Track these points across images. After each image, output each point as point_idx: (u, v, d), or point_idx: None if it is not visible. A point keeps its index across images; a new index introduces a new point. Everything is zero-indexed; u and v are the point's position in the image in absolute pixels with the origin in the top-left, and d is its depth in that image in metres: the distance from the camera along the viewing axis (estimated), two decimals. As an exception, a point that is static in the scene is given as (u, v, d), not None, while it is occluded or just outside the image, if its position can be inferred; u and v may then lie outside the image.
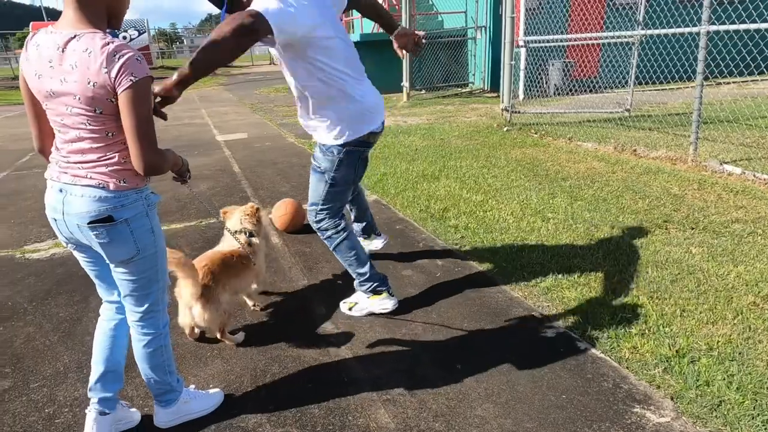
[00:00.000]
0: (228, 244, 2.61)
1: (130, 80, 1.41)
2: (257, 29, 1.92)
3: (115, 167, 1.54)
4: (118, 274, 1.67)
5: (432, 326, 2.56)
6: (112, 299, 1.83)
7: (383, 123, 2.56)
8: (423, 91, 11.68)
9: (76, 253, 1.73)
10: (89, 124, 1.48)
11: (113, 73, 1.39)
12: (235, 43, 1.92)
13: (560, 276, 2.96)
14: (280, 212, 3.86)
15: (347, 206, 2.89)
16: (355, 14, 12.65)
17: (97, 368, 1.80)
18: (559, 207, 4.08)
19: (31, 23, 26.94)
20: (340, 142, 2.39)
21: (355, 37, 11.69)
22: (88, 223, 1.54)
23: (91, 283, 1.88)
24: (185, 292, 2.23)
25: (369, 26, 13.67)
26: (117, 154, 1.54)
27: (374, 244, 3.27)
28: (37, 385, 2.21)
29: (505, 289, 2.89)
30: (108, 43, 1.39)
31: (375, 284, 2.63)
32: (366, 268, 2.63)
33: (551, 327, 2.50)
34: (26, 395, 2.15)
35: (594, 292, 2.78)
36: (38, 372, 2.30)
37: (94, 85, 1.41)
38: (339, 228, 2.60)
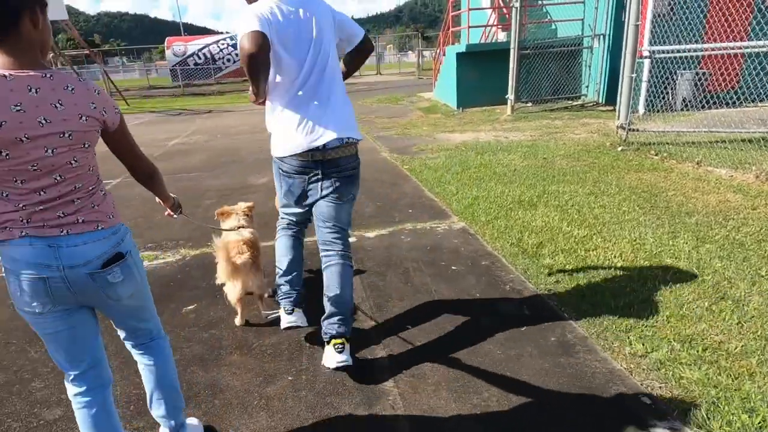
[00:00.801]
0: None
1: (116, 111, 1.52)
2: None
3: (101, 204, 1.50)
4: (125, 307, 1.63)
5: (509, 398, 2.14)
6: (79, 370, 1.62)
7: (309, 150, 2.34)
8: (529, 104, 10.99)
9: (50, 322, 1.49)
10: (74, 161, 1.41)
11: (105, 105, 1.46)
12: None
13: (678, 347, 2.38)
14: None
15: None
16: (463, 23, 12.30)
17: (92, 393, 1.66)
18: (682, 251, 3.41)
19: (167, 38, 29.83)
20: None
21: (460, 47, 11.33)
22: (102, 267, 1.46)
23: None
24: (247, 256, 2.62)
25: (476, 36, 13.24)
26: (100, 191, 1.52)
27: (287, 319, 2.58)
28: (83, 417, 2.14)
29: (604, 356, 2.38)
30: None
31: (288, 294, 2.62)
32: (283, 276, 2.64)
33: (662, 418, 1.97)
34: (71, 430, 2.08)
35: (725, 375, 2.18)
36: (88, 402, 2.23)
37: (85, 120, 1.39)
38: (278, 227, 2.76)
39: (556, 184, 5.15)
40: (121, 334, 1.78)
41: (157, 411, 1.86)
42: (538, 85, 10.89)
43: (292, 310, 2.59)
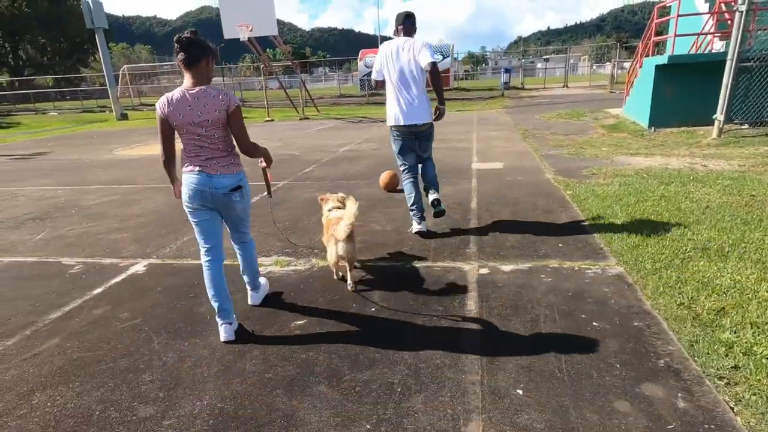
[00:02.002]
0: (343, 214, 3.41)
1: (237, 105, 2.66)
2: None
3: (233, 160, 2.76)
4: (236, 217, 2.91)
5: None
6: (209, 246, 2.85)
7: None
8: (745, 126, 9.08)
9: (200, 214, 2.77)
10: (223, 135, 2.70)
11: (229, 103, 2.63)
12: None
13: None
14: (384, 177, 6.26)
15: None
16: (669, 32, 10.71)
17: (217, 300, 2.85)
18: None
19: (361, 51, 32.06)
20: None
21: (661, 59, 9.89)
22: (231, 191, 2.74)
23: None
24: (344, 229, 3.23)
25: (683, 47, 11.45)
26: (233, 154, 2.79)
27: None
28: (170, 422, 2.18)
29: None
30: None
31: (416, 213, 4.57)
32: (411, 204, 4.57)
33: None
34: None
35: None
36: (180, 406, 2.28)
37: (223, 110, 2.60)
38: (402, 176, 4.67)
39: (761, 231, 4.04)
40: (232, 235, 3.07)
41: (245, 277, 3.23)
42: (759, 105, 8.94)
43: (420, 221, 4.55)
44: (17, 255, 4.54)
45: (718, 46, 10.88)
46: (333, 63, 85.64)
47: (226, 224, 2.96)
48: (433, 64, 4.15)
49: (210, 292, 2.84)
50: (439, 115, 4.38)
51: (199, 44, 2.57)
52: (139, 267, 4.08)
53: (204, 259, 2.85)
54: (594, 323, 2.82)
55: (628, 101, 12.34)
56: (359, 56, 32.40)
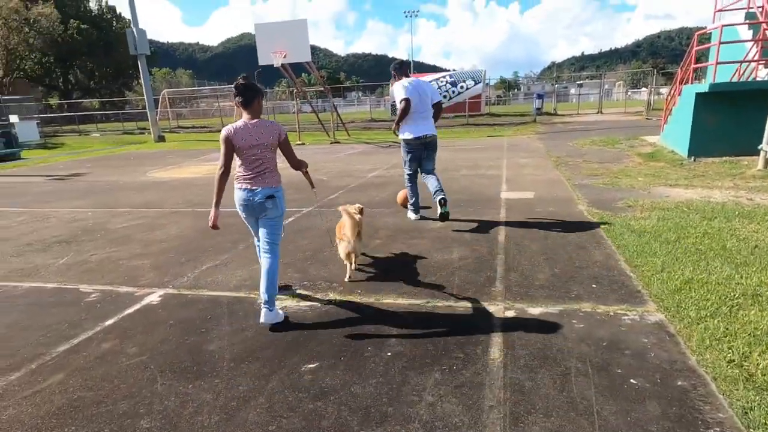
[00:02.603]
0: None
1: (286, 134, 3.49)
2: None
3: (275, 177, 3.46)
4: (269, 224, 3.49)
5: None
6: (257, 237, 3.66)
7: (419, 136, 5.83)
8: (794, 157, 8.58)
9: (248, 218, 3.57)
10: (272, 156, 3.46)
11: (280, 132, 3.44)
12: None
13: None
14: (401, 195, 6.58)
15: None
16: (710, 59, 10.31)
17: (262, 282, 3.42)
18: None
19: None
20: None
21: (701, 87, 9.52)
22: (266, 198, 3.38)
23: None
24: (350, 234, 4.04)
25: (724, 74, 11.03)
26: (276, 172, 3.49)
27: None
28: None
29: None
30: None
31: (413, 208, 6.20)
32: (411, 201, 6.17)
33: None
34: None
35: None
36: (175, 459, 2.12)
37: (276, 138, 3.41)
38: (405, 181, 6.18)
39: (820, 276, 3.68)
40: (261, 242, 3.54)
41: (261, 287, 3.40)
42: (810, 134, 8.43)
43: (416, 213, 6.16)
44: (39, 280, 4.53)
45: (762, 74, 10.43)
46: (366, 87, 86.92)
47: (261, 231, 3.52)
48: (438, 102, 6.02)
49: (261, 285, 3.44)
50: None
51: (252, 88, 3.36)
52: (154, 297, 3.99)
53: (257, 245, 3.82)
54: (632, 380, 2.55)
55: (666, 129, 11.91)
56: (391, 81, 32.66)
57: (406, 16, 66.65)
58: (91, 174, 12.84)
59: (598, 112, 27.57)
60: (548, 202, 6.72)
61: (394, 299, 3.74)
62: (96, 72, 60.37)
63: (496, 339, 3.05)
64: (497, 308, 3.49)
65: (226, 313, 3.60)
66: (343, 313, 3.54)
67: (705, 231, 4.91)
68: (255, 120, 3.36)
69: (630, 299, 3.53)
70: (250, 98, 3.33)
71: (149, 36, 23.61)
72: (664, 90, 29.05)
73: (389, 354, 2.93)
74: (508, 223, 5.72)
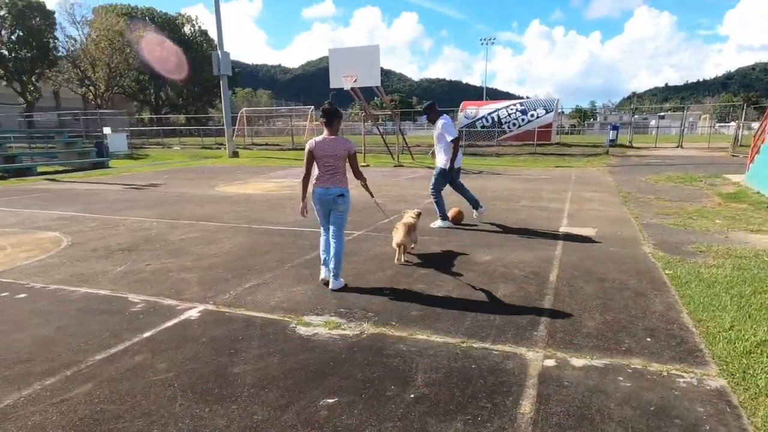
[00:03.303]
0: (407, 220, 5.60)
1: (355, 150, 4.56)
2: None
3: (343, 179, 4.49)
4: (337, 215, 4.51)
5: None
6: (325, 228, 4.65)
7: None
8: None
9: (320, 211, 4.57)
10: (342, 164, 4.48)
11: (350, 147, 4.50)
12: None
13: None
14: (453, 212, 7.48)
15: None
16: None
17: (324, 255, 4.67)
18: None
19: (462, 102, 32.27)
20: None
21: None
22: (338, 196, 4.42)
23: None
24: (402, 233, 5.28)
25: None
26: (344, 176, 4.49)
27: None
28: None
29: None
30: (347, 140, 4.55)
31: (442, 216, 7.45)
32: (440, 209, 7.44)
33: None
34: None
35: None
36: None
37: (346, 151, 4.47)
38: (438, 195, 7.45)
39: None
40: (331, 228, 4.55)
41: (330, 265, 4.58)
42: None
43: (444, 220, 7.41)
44: (95, 286, 4.77)
45: None
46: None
47: (331, 221, 4.58)
48: (454, 138, 7.14)
49: (321, 248, 4.76)
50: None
51: (334, 112, 4.44)
52: (194, 312, 4.07)
53: (322, 240, 4.76)
54: (678, 456, 2.25)
55: (753, 168, 10.96)
56: (461, 107, 32.60)
57: (482, 44, 66.72)
58: (165, 185, 13.61)
59: (678, 146, 25.99)
60: (610, 240, 6.31)
61: (428, 336, 3.58)
62: (185, 90, 64.79)
63: (530, 391, 2.81)
64: (536, 355, 3.25)
65: (258, 335, 3.59)
66: (374, 346, 3.43)
67: (787, 286, 4.39)
68: (333, 136, 4.45)
69: (688, 359, 3.17)
70: (331, 119, 4.42)
71: (235, 58, 25.13)
72: (755, 125, 27.03)
73: (412, 396, 2.78)
74: (562, 261, 5.41)
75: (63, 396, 2.79)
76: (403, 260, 5.39)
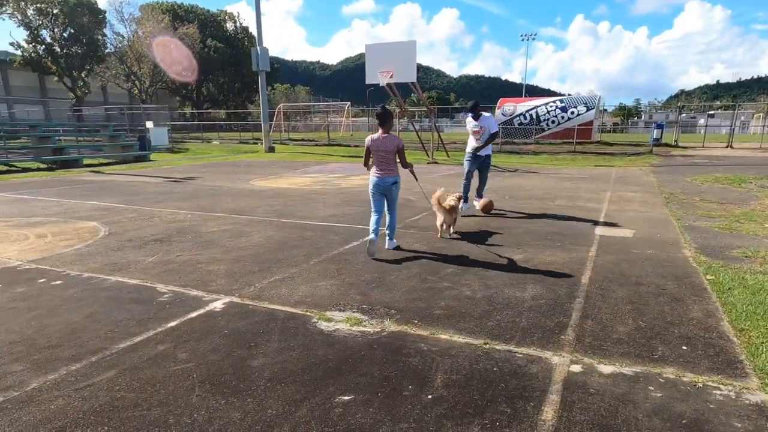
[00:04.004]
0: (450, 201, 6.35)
1: (403, 145, 5.60)
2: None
3: (395, 169, 5.58)
4: (392, 198, 5.67)
5: None
6: (376, 210, 5.64)
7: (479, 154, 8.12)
8: None
9: (375, 196, 5.64)
10: (393, 158, 5.56)
11: (399, 143, 5.54)
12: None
13: None
14: (483, 202, 8.13)
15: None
16: None
17: (377, 219, 5.62)
18: None
19: (500, 99, 31.75)
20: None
21: None
22: (392, 183, 5.56)
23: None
24: (441, 214, 6.15)
25: None
26: (396, 166, 5.61)
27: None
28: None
29: None
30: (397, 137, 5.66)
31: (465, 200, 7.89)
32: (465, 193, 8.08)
33: None
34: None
35: None
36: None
37: (395, 147, 5.52)
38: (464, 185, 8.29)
39: None
40: (386, 205, 5.72)
41: (387, 232, 5.82)
42: None
43: (466, 203, 8.01)
44: (126, 275, 4.89)
45: None
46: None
47: (387, 202, 5.73)
48: (495, 131, 8.31)
49: (370, 227, 5.57)
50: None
51: (387, 113, 5.54)
52: (219, 304, 4.11)
53: (372, 218, 5.62)
54: (710, 475, 2.10)
55: (809, 170, 10.32)
56: (498, 104, 32.09)
57: (523, 39, 65.51)
58: (202, 178, 13.92)
59: (727, 146, 24.80)
60: (649, 243, 6.05)
61: (450, 335, 3.49)
62: (225, 86, 66.23)
63: (553, 397, 2.70)
64: (562, 360, 3.12)
65: (279, 329, 3.59)
66: (394, 344, 3.37)
67: (842, 296, 4.08)
68: (385, 134, 5.50)
69: (727, 370, 2.98)
70: (383, 120, 5.48)
71: (275, 54, 25.58)
72: (813, 125, 25.43)
73: (430, 397, 2.70)
74: (596, 263, 5.21)
75: (86, 382, 2.85)
76: (450, 235, 6.46)
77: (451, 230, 6.47)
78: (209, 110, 59.37)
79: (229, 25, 66.17)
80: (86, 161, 19.13)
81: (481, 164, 8.25)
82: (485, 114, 8.18)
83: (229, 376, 2.92)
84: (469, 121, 8.19)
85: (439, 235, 6.36)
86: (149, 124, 28.39)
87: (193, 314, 3.88)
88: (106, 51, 49.90)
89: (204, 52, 56.70)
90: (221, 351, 3.25)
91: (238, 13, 68.79)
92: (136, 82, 51.31)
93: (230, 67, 62.25)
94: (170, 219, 7.80)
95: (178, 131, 41.20)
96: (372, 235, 5.47)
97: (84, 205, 9.25)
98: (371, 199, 5.69)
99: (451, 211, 6.24)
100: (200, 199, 9.96)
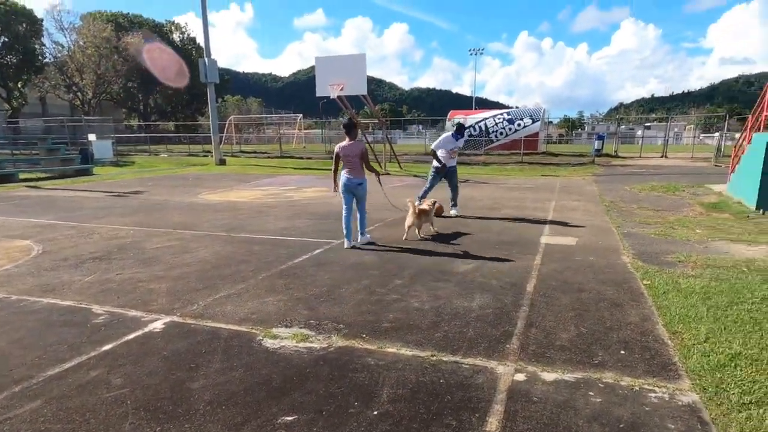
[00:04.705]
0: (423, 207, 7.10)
1: (366, 150, 6.50)
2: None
3: (362, 172, 6.43)
4: (359, 196, 6.49)
5: None
6: (346, 207, 6.49)
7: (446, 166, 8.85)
8: None
9: (346, 194, 6.44)
10: (359, 161, 6.36)
11: (362, 148, 6.41)
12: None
13: None
14: (429, 202, 7.54)
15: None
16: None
17: (347, 215, 6.51)
18: None
19: (450, 112, 32.39)
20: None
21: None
22: (358, 184, 6.38)
23: None
24: (410, 216, 6.79)
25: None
26: (363, 169, 6.43)
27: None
28: None
29: None
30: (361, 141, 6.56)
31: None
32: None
33: None
34: None
35: None
36: None
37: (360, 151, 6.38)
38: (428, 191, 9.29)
39: None
40: (355, 202, 6.54)
41: (359, 228, 6.63)
42: None
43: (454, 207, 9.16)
44: (59, 296, 4.61)
45: None
46: (425, 121, 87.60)
47: (356, 200, 6.53)
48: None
49: (343, 224, 6.42)
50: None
51: (352, 124, 6.41)
52: (159, 324, 3.93)
53: (343, 213, 6.46)
54: (645, 477, 2.16)
55: (734, 178, 11.05)
56: (448, 116, 32.71)
57: (471, 54, 67.23)
58: (147, 192, 13.42)
59: (662, 156, 26.21)
60: (590, 250, 6.27)
61: (398, 348, 3.48)
62: (173, 97, 64.40)
63: (498, 407, 2.72)
64: (507, 370, 3.16)
65: (221, 349, 3.47)
66: (341, 359, 3.32)
67: (764, 296, 4.35)
68: (352, 141, 6.33)
69: (662, 372, 3.10)
70: (349, 129, 6.37)
71: (226, 66, 25.28)
72: (738, 135, 27.29)
73: (375, 413, 2.67)
74: (541, 271, 5.34)
75: (7, 414, 2.65)
76: (410, 236, 6.98)
77: (420, 233, 7.08)
78: (157, 122, 57.44)
79: (176, 36, 64.60)
80: (22, 176, 18.08)
81: (447, 174, 9.01)
82: (459, 133, 8.99)
83: (166, 401, 2.78)
84: (450, 141, 8.82)
85: (404, 237, 6.94)
86: (92, 137, 27.18)
87: (131, 336, 3.70)
88: (45, 61, 47.61)
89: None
90: (159, 374, 3.10)
91: (185, 23, 67.29)
92: (78, 93, 49.18)
93: (178, 77, 60.67)
94: (111, 235, 7.45)
95: (123, 144, 39.65)
96: (346, 240, 6.48)
97: (18, 222, 8.72)
98: (342, 197, 6.49)
99: (420, 214, 6.88)
100: (144, 214, 9.58)
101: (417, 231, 7.01)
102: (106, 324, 3.94)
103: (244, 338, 3.66)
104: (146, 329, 3.83)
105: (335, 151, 6.34)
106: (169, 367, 3.20)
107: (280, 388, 2.93)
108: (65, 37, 47.77)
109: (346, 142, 6.29)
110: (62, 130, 36.61)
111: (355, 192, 6.43)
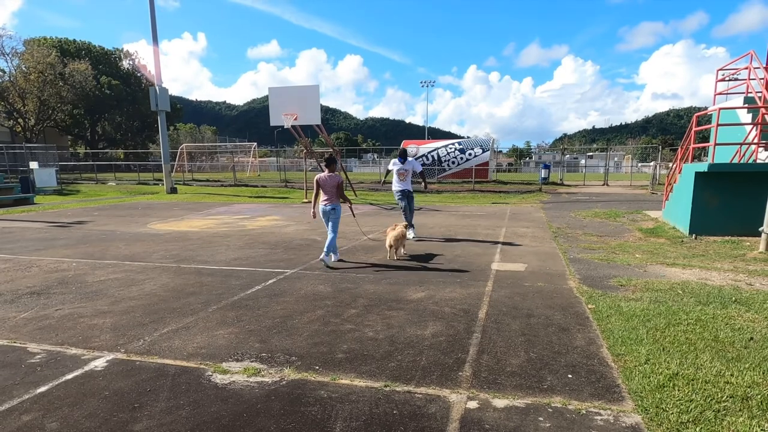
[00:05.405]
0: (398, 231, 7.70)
1: (342, 181, 7.38)
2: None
3: (336, 200, 7.29)
4: (333, 220, 7.29)
5: None
6: (328, 230, 7.34)
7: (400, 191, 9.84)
8: (801, 240, 8.28)
9: (325, 219, 7.37)
10: (335, 191, 7.27)
11: (339, 180, 7.30)
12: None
13: None
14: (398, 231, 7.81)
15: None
16: (711, 140, 10.29)
17: (326, 249, 7.21)
18: None
19: (403, 141, 32.98)
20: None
21: (701, 166, 9.40)
22: (331, 209, 7.26)
23: None
24: (392, 235, 7.60)
25: (726, 154, 10.99)
26: (339, 199, 7.32)
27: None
28: None
29: None
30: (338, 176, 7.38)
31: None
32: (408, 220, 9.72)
33: None
34: None
35: None
36: None
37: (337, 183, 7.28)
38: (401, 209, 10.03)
39: (819, 379, 3.34)
40: (328, 228, 7.30)
41: (326, 249, 7.17)
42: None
43: (413, 233, 9.71)
44: (-9, 336, 4.33)
45: (763, 156, 10.34)
46: (380, 150, 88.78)
47: (329, 224, 7.27)
48: (421, 172, 10.41)
49: (326, 245, 7.16)
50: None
51: (332, 159, 7.27)
52: (101, 362, 3.76)
53: (328, 234, 7.24)
54: (590, 498, 2.22)
55: (668, 205, 11.72)
56: (401, 146, 33.29)
57: (423, 86, 69.09)
58: (93, 222, 12.89)
59: (604, 184, 27.55)
60: (539, 275, 6.47)
61: (351, 380, 3.46)
62: (123, 125, 62.60)
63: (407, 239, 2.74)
64: (459, 398, 3.19)
65: (168, 386, 3.35)
66: (293, 393, 3.27)
67: (698, 317, 4.61)
68: (330, 173, 7.18)
69: (606, 395, 3.22)
70: (329, 163, 7.22)
71: (179, 93, 24.75)
72: (671, 165, 29.06)
73: (327, 447, 2.64)
74: (492, 297, 5.46)
75: (-73, 467, 2.45)
76: (396, 258, 7.66)
77: (400, 252, 7.83)
78: (105, 150, 55.54)
79: (126, 63, 63.24)
80: (-48, 206, 17.00)
81: (407, 197, 9.85)
82: (409, 159, 10.04)
83: (107, 444, 2.65)
84: (395, 163, 9.89)
85: (388, 257, 7.71)
86: (33, 165, 25.96)
87: (69, 376, 3.52)
88: (-16, 86, 45.43)
89: (96, 89, 53.48)
90: (99, 416, 2.95)
91: (136, 51, 66.17)
92: (20, 119, 47.05)
93: (127, 105, 59.11)
94: (52, 268, 7.10)
95: (69, 172, 38.05)
96: (326, 260, 7.18)
97: (-56, 256, 8.16)
98: (323, 220, 7.43)
99: (399, 237, 7.62)
100: (89, 245, 9.19)
101: (395, 253, 7.67)
102: (42, 364, 3.73)
103: (192, 374, 3.55)
104: (87, 368, 3.65)
105: (315, 179, 7.17)
106: (110, 408, 3.05)
107: (229, 426, 2.85)
108: (6, 62, 45.87)
109: (325, 173, 7.16)
110: (1, 158, 34.80)
111: (329, 216, 7.23)
